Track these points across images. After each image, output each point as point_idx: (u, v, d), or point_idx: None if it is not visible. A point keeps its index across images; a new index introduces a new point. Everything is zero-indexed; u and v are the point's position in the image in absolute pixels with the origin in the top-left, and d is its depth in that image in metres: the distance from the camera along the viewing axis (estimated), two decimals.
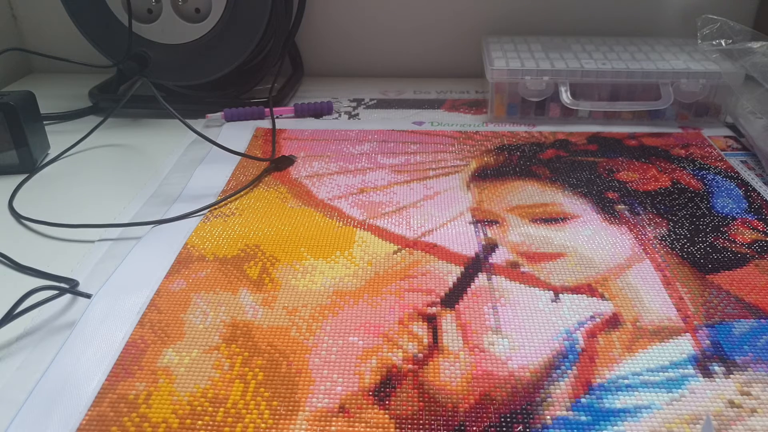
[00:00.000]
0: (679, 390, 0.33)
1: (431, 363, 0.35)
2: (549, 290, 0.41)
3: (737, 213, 0.49)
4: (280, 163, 0.58)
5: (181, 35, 0.66)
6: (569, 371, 0.35)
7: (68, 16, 0.66)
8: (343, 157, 0.59)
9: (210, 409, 0.33)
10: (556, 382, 0.34)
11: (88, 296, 0.41)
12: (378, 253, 0.45)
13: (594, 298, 0.40)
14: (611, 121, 0.66)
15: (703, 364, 0.35)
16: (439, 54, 0.81)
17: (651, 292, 0.41)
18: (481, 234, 0.47)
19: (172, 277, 0.43)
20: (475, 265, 0.43)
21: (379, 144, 0.62)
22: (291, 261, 0.44)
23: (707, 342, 0.36)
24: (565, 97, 0.64)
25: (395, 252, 0.45)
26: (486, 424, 0.32)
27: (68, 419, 0.32)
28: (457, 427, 0.31)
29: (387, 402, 0.33)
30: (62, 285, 0.41)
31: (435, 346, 0.36)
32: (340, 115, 0.70)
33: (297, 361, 0.35)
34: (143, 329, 0.38)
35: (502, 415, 0.32)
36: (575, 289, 0.41)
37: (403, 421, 0.32)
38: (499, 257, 0.44)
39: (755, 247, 0.45)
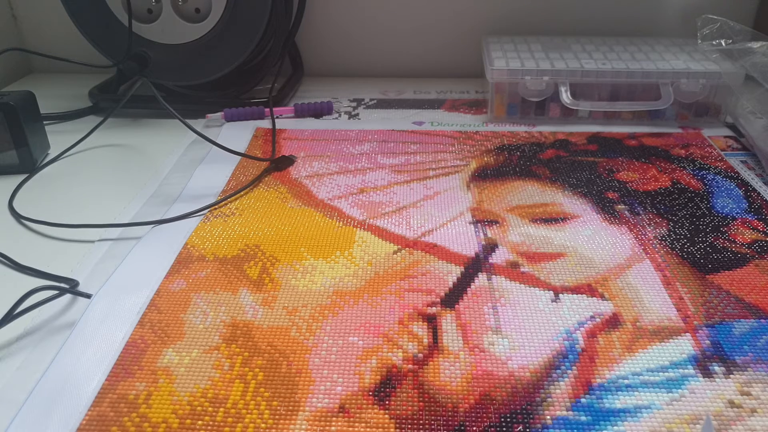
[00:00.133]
0: (679, 390, 0.33)
1: (431, 363, 0.35)
2: (549, 290, 0.41)
3: (737, 213, 0.49)
4: (280, 163, 0.58)
5: (181, 35, 0.66)
6: (569, 371, 0.35)
7: (68, 16, 0.67)
8: (343, 157, 0.59)
9: (210, 409, 0.33)
10: (556, 382, 0.34)
11: (88, 296, 0.41)
12: (378, 253, 0.45)
13: (594, 298, 0.40)
14: (611, 121, 0.66)
15: (703, 364, 0.35)
16: (439, 54, 0.81)
17: (651, 292, 0.41)
18: (481, 234, 0.47)
19: (172, 277, 0.43)
20: (475, 265, 0.43)
21: (379, 144, 0.62)
22: (291, 261, 0.44)
23: (707, 342, 0.36)
24: (565, 97, 0.64)
25: (395, 252, 0.45)
26: (486, 424, 0.32)
27: (68, 419, 0.32)
28: (457, 427, 0.31)
29: (387, 402, 0.33)
30: (62, 285, 0.41)
31: (435, 346, 0.36)
32: (340, 115, 0.70)
33: (297, 361, 0.35)
34: (143, 329, 0.38)
35: (502, 415, 0.32)
36: (575, 289, 0.41)
37: (403, 421, 0.32)
38: (499, 257, 0.44)
39: (755, 247, 0.45)
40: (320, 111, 0.69)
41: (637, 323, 0.38)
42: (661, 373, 0.34)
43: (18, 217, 0.51)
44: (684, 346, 0.36)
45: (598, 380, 0.34)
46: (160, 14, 0.66)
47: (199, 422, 0.32)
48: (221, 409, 0.33)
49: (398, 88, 0.78)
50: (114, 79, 0.71)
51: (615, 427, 0.31)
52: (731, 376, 0.34)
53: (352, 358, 0.36)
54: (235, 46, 0.66)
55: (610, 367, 0.35)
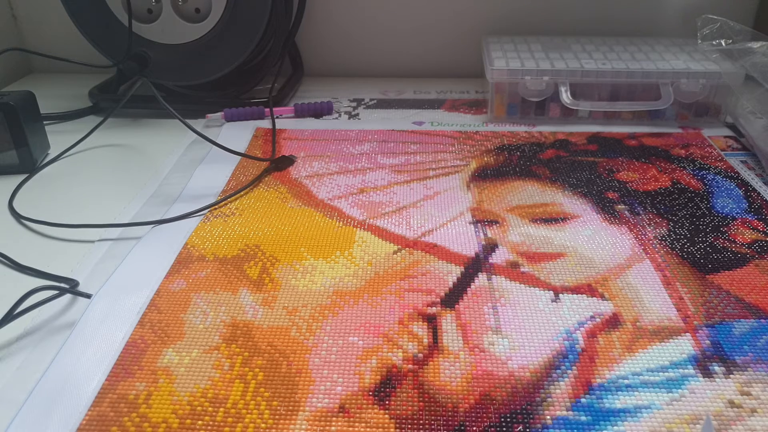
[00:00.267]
0: (679, 390, 0.33)
1: (431, 363, 0.35)
2: (549, 290, 0.41)
3: (737, 213, 0.49)
4: (280, 163, 0.58)
5: (181, 35, 0.66)
6: (569, 371, 0.35)
7: (68, 16, 0.67)
8: (343, 157, 0.59)
9: (210, 409, 0.33)
10: (556, 382, 0.34)
11: (88, 296, 0.41)
12: (378, 253, 0.45)
13: (594, 298, 0.40)
14: (611, 121, 0.66)
15: (703, 364, 0.35)
16: (439, 54, 0.81)
17: (651, 292, 0.41)
18: (481, 234, 0.47)
19: (172, 277, 0.43)
20: (475, 265, 0.43)
21: (379, 144, 0.62)
22: (291, 261, 0.44)
23: (707, 342, 0.36)
24: (565, 97, 0.64)
25: (395, 252, 0.45)
26: (486, 424, 0.32)
27: (68, 419, 0.32)
28: (457, 427, 0.31)
29: (387, 402, 0.33)
30: (62, 285, 0.41)
31: (435, 346, 0.36)
32: (340, 115, 0.70)
33: (297, 361, 0.35)
34: (143, 329, 0.38)
35: (502, 415, 0.32)
36: (575, 289, 0.41)
37: (403, 421, 0.32)
38: (499, 257, 0.44)
39: (755, 247, 0.45)
40: (320, 111, 0.69)
41: (637, 323, 0.38)
42: (661, 373, 0.34)
43: (18, 217, 0.51)
44: (684, 346, 0.36)
45: (598, 380, 0.34)
46: (160, 14, 0.66)
47: (199, 422, 0.32)
48: (221, 409, 0.33)
49: (398, 88, 0.78)
50: (114, 79, 0.71)
51: (615, 427, 0.31)
52: (731, 376, 0.34)
53: (352, 358, 0.36)
54: (235, 46, 0.66)
55: (610, 367, 0.35)
